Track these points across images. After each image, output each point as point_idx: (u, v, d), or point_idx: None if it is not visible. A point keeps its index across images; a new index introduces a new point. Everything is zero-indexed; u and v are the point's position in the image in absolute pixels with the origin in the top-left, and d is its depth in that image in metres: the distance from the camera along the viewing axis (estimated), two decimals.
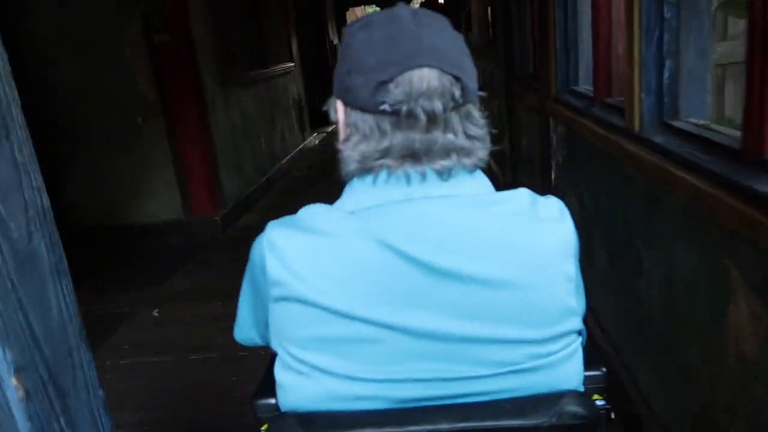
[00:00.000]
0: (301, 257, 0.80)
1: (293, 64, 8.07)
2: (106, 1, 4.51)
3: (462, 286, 0.77)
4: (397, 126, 0.80)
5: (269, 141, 6.73)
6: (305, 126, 8.65)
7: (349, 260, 0.78)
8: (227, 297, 1.31)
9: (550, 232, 0.82)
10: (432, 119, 0.79)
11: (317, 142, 9.22)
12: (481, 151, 0.85)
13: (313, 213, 0.83)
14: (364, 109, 0.81)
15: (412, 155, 0.81)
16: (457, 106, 0.81)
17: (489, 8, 5.48)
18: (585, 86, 2.96)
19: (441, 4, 10.71)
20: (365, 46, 0.81)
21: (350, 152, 0.83)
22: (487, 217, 0.81)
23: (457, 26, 0.94)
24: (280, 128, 7.20)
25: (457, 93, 0.80)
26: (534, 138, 3.73)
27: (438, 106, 0.79)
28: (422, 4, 9.44)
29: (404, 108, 0.78)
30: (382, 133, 0.81)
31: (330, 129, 10.31)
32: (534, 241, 0.81)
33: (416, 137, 0.80)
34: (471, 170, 0.84)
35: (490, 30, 5.42)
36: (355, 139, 0.83)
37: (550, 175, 3.22)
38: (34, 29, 4.53)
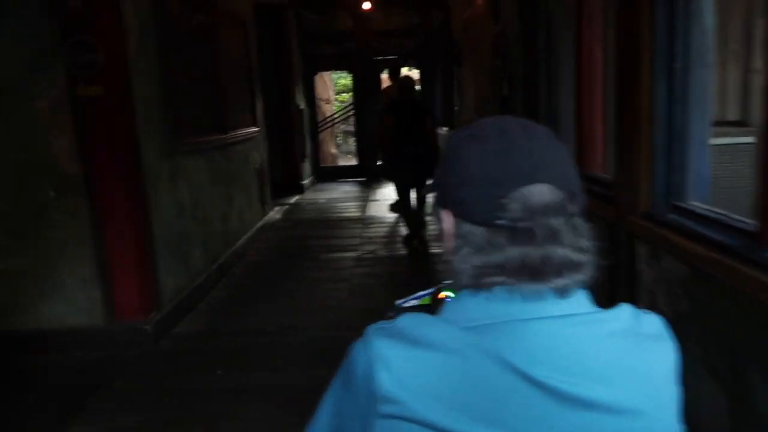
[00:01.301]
0: (418, 374, 0.73)
1: (257, 129, 7.10)
2: (18, 39, 3.48)
3: (585, 413, 0.73)
4: (512, 240, 0.77)
5: (224, 220, 5.63)
6: (267, 198, 7.59)
7: (471, 381, 0.72)
8: None
9: (663, 354, 0.79)
10: (549, 235, 0.76)
11: (279, 216, 8.15)
12: (590, 265, 0.79)
13: (421, 323, 0.77)
14: (477, 223, 0.78)
15: (529, 272, 0.76)
16: (567, 220, 0.77)
17: (502, 80, 4.63)
18: (692, 202, 2.05)
19: (411, 78, 10.17)
20: (477, 159, 0.79)
21: (462, 265, 0.79)
22: (604, 337, 0.76)
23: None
24: (237, 204, 6.12)
25: (571, 207, 0.77)
26: None
27: (554, 222, 0.76)
28: (390, 72, 8.91)
29: (522, 224, 0.76)
30: (496, 246, 0.77)
31: (293, 200, 9.32)
32: (652, 365, 0.77)
33: (531, 252, 0.76)
34: (582, 287, 0.79)
35: (500, 107, 4.56)
36: (465, 250, 0.79)
37: None
38: None
